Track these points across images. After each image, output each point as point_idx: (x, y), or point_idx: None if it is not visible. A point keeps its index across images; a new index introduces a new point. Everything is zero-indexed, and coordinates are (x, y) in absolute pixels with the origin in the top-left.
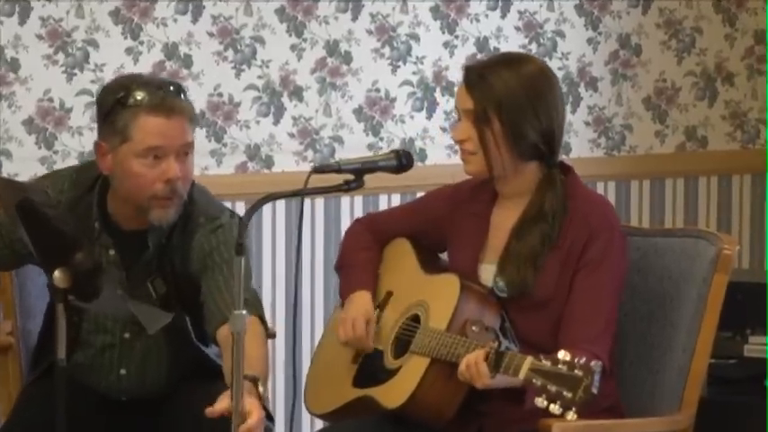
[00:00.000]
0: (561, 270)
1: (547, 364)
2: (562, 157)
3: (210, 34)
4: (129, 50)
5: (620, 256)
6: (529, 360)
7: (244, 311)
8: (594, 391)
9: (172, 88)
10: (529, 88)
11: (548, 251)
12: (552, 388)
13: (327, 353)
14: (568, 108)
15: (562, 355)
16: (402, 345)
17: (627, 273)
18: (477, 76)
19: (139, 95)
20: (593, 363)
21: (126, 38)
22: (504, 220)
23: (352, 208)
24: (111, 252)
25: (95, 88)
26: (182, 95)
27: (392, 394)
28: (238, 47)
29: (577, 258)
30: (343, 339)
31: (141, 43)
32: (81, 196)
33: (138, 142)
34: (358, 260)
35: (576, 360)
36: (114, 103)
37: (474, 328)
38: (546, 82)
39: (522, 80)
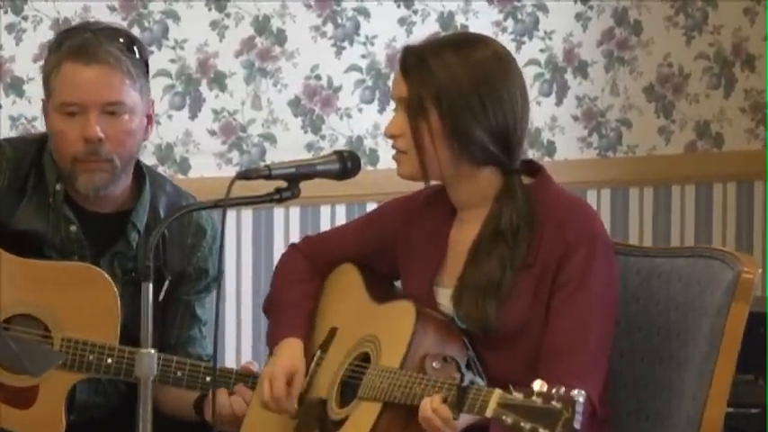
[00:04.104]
0: (536, 291)
1: (518, 396)
2: (545, 159)
3: (112, 9)
4: None
5: (606, 271)
6: (497, 394)
7: (152, 350)
8: (577, 425)
9: (109, 34)
10: (477, 77)
11: (513, 275)
12: (526, 425)
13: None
14: (552, 99)
15: (538, 385)
16: (350, 390)
17: (619, 291)
18: (416, 58)
19: (68, 41)
20: (574, 392)
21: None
22: (464, 237)
23: (287, 222)
24: (73, 228)
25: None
26: (119, 41)
27: None
28: (146, 23)
29: (553, 278)
30: (262, 400)
31: None
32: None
33: (56, 95)
34: (289, 298)
35: (553, 391)
36: (48, 52)
37: (434, 364)
38: (500, 70)
39: (470, 67)
